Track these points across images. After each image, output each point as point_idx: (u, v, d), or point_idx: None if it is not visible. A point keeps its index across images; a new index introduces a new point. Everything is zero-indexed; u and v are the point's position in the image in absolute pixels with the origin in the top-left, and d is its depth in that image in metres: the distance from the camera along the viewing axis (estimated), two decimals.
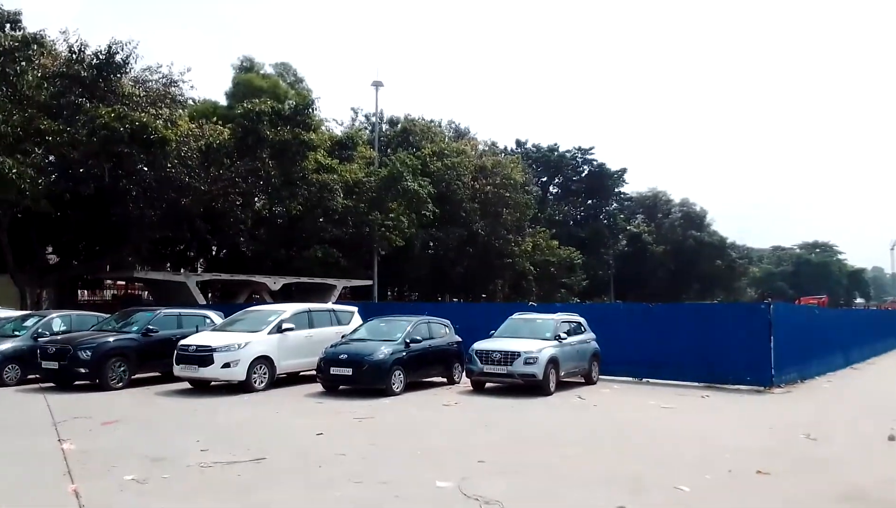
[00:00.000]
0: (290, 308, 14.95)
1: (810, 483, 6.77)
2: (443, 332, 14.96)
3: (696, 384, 15.01)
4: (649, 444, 8.77)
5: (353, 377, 12.75)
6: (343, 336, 14.39)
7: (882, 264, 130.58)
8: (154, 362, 14.25)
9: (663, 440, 8.99)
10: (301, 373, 14.56)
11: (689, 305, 32.68)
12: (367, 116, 44.72)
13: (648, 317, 17.20)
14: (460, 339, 15.17)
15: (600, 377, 15.53)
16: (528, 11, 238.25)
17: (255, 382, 13.11)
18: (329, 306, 16.83)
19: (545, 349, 13.35)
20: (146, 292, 31.61)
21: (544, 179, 59.80)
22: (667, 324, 16.44)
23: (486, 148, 48.03)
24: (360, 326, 14.94)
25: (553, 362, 13.40)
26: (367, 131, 41.83)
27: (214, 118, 27.31)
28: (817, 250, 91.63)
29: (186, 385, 13.65)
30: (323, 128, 33.94)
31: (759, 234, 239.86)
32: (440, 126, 45.56)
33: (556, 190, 61.99)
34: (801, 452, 8.33)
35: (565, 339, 14.21)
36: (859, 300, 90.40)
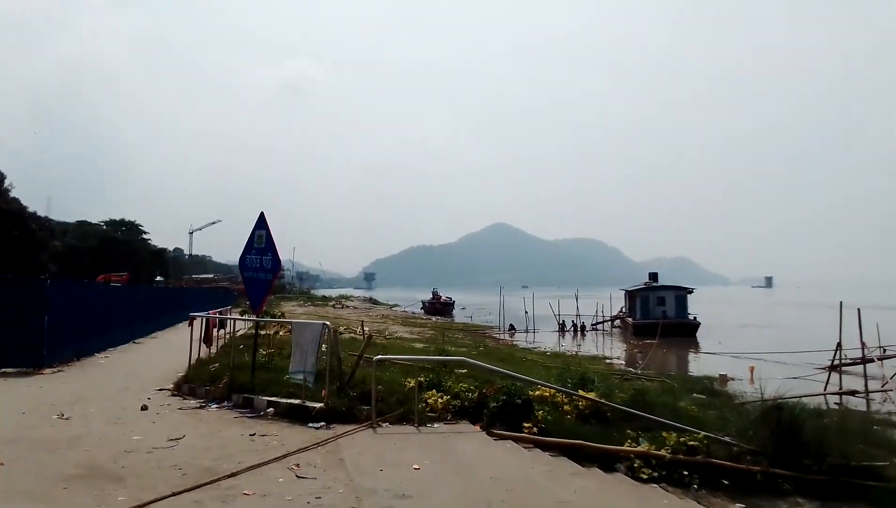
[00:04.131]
0: None
1: (47, 465, 6.62)
2: None
3: None
4: None
5: None
6: None
7: (184, 246, 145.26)
8: None
9: None
10: None
11: None
12: None
13: None
14: None
15: None
16: None
17: None
18: None
19: None
20: None
21: None
22: None
23: None
24: None
25: None
26: None
27: None
28: (123, 228, 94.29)
29: None
30: None
31: (66, 208, 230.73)
32: None
33: None
34: (48, 434, 8.13)
35: None
36: (159, 278, 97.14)
